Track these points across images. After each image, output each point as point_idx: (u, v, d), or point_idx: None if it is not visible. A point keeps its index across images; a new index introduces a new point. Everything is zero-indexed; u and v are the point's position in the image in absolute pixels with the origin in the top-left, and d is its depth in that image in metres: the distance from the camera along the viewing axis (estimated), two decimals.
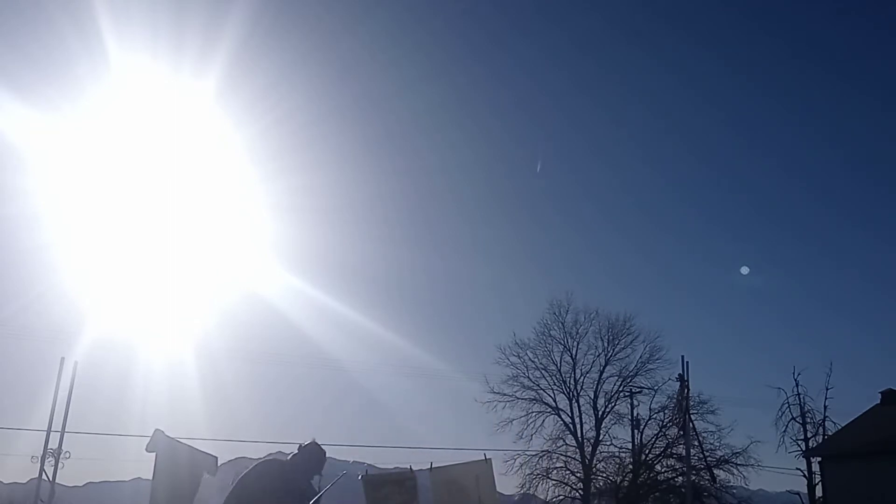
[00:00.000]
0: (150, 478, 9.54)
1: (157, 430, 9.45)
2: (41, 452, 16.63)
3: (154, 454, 9.39)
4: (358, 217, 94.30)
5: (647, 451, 32.21)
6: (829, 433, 32.88)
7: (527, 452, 32.60)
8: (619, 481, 32.49)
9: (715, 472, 28.97)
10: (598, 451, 32.78)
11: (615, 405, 33.24)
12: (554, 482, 32.54)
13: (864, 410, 29.17)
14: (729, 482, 30.95)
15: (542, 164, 78.77)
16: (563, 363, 33.56)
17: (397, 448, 57.67)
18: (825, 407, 33.96)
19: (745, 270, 79.97)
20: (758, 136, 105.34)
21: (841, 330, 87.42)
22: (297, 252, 79.33)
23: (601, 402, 33.22)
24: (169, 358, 45.36)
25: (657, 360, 32.42)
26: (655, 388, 32.34)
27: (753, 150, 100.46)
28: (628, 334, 33.37)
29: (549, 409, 33.12)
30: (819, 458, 30.79)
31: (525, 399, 33.14)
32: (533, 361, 33.56)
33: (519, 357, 33.51)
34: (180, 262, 52.72)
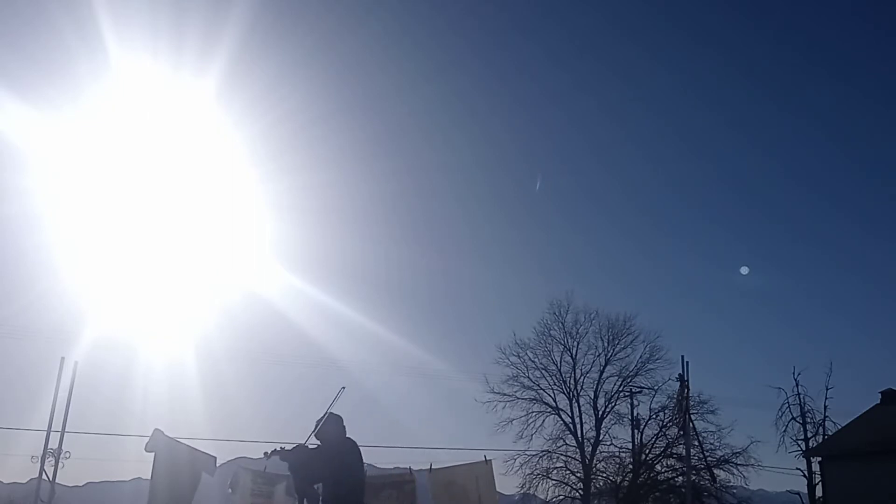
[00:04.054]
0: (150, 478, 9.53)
1: (156, 429, 9.43)
2: (41, 452, 16.57)
3: (153, 454, 9.37)
4: (358, 217, 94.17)
5: (647, 451, 32.17)
6: (829, 433, 32.86)
7: (527, 452, 32.56)
8: (619, 481, 32.45)
9: (715, 472, 29.01)
10: (598, 451, 32.73)
11: (615, 405, 33.22)
12: (554, 482, 32.52)
13: (864, 410, 29.18)
14: (729, 482, 30.93)
15: (541, 179, 78.78)
16: (563, 363, 33.52)
17: (397, 448, 57.59)
18: (825, 407, 34.01)
19: (745, 270, 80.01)
20: (758, 136, 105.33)
21: (841, 330, 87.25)
22: (297, 252, 79.23)
23: (601, 402, 33.20)
24: (169, 358, 45.44)
25: (657, 360, 32.38)
26: (655, 388, 32.32)
27: (753, 150, 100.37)
28: (628, 334, 33.33)
29: (549, 409, 33.09)
30: (819, 458, 30.76)
31: (525, 399, 33.09)
32: (533, 361, 33.52)
33: (519, 357, 33.47)
34: (180, 262, 52.65)
